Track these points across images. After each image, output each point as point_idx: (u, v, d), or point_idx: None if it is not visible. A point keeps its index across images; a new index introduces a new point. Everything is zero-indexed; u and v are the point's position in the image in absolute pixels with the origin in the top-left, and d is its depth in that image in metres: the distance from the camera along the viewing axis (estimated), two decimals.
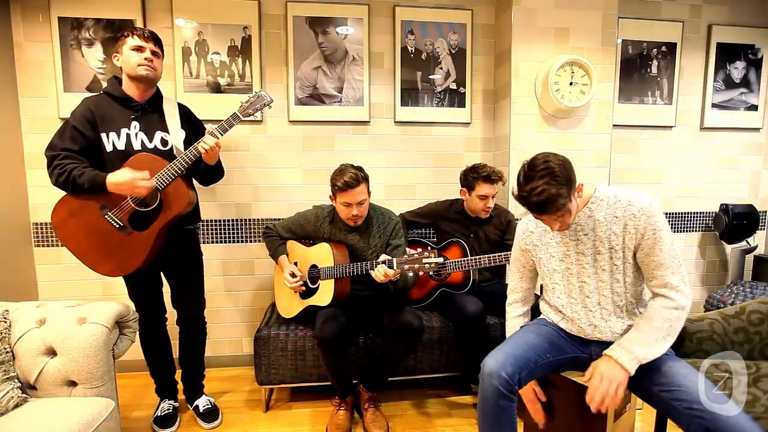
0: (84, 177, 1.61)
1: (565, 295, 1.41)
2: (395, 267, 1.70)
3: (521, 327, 1.51)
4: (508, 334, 1.53)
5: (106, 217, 1.66)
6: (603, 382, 1.21)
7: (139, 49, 1.66)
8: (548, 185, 1.17)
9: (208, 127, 1.72)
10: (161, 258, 1.78)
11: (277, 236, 2.07)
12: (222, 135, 1.71)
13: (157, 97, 1.78)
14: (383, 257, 1.74)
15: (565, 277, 1.41)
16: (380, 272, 1.71)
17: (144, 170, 1.62)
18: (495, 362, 1.27)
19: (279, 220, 2.20)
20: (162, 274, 1.90)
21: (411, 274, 1.71)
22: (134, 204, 1.66)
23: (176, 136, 1.75)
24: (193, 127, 1.85)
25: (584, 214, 1.33)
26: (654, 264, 1.26)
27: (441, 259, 1.66)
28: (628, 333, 1.29)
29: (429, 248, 1.70)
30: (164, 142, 1.74)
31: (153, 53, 1.69)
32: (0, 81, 2.15)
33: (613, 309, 1.35)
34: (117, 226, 1.67)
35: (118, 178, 1.59)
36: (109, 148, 1.68)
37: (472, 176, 2.06)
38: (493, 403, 1.25)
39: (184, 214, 1.74)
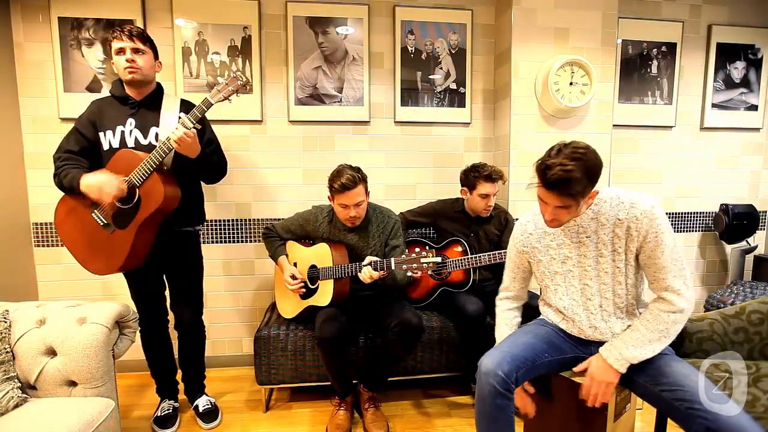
0: (67, 179, 1.62)
1: (566, 297, 1.41)
2: (393, 267, 1.70)
3: (519, 328, 1.51)
4: (497, 327, 1.54)
5: (93, 215, 1.66)
6: (593, 383, 1.27)
7: (120, 51, 1.64)
8: (576, 168, 1.16)
9: (180, 116, 1.63)
10: (156, 258, 1.77)
11: (276, 237, 2.07)
12: (193, 123, 1.59)
13: (157, 93, 1.76)
14: (368, 259, 1.76)
15: (567, 280, 1.40)
16: (366, 274, 1.74)
17: (121, 171, 1.59)
18: (492, 361, 1.28)
19: (279, 220, 2.20)
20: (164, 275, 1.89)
21: (409, 274, 1.71)
22: (117, 201, 1.63)
23: (168, 131, 1.68)
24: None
25: (587, 215, 1.33)
26: (656, 267, 1.26)
27: (439, 259, 1.66)
28: (624, 332, 1.31)
29: (427, 248, 1.70)
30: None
31: (134, 51, 1.64)
32: (0, 81, 2.15)
33: (613, 310, 1.35)
34: (102, 224, 1.66)
35: (88, 182, 1.58)
36: (105, 146, 1.69)
37: (473, 175, 2.06)
38: (490, 402, 1.25)
39: (168, 211, 1.67)
